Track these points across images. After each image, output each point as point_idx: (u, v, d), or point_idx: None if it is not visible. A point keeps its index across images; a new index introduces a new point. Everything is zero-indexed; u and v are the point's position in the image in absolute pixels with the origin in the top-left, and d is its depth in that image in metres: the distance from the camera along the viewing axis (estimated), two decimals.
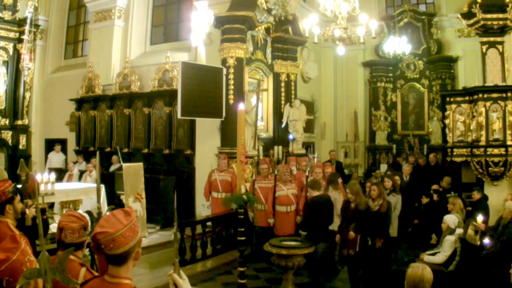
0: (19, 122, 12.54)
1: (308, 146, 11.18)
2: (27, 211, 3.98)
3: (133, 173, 7.30)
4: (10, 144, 12.36)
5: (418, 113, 12.80)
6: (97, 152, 5.67)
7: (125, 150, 10.51)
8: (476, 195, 7.17)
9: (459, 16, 7.90)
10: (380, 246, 5.68)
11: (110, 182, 8.28)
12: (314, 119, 12.26)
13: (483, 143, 7.28)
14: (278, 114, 10.21)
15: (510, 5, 7.12)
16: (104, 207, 7.82)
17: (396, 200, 6.52)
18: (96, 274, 2.47)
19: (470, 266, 5.39)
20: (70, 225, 2.60)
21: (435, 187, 7.90)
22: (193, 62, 9.21)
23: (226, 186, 7.67)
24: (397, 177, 7.06)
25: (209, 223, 7.08)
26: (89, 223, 2.86)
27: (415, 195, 7.78)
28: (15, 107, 12.48)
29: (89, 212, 5.09)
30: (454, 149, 7.85)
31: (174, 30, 11.39)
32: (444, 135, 8.99)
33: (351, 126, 13.31)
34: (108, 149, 10.99)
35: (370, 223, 5.59)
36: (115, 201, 8.04)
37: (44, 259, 1.76)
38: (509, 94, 7.22)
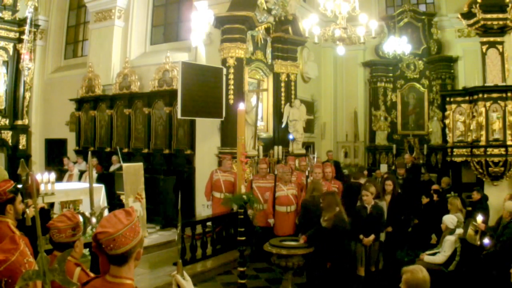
0: (19, 122, 12.54)
1: (308, 146, 11.18)
2: (27, 211, 3.98)
3: (133, 173, 7.30)
4: (10, 144, 12.36)
5: (418, 113, 12.80)
6: (89, 153, 5.59)
7: (125, 150, 10.51)
8: (475, 195, 7.18)
9: (459, 16, 7.91)
10: (331, 269, 5.16)
11: (110, 182, 8.28)
12: (314, 119, 12.26)
13: (483, 143, 7.28)
14: (278, 114, 10.21)
15: (510, 5, 7.12)
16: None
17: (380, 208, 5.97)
18: (92, 274, 2.47)
19: (470, 266, 5.39)
20: (56, 225, 2.60)
21: (435, 187, 7.91)
22: (193, 62, 9.21)
23: (229, 186, 7.67)
24: (389, 182, 6.50)
25: (209, 223, 7.08)
26: (81, 224, 2.85)
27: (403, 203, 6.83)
28: (15, 107, 12.48)
29: (81, 213, 5.09)
30: (454, 149, 7.85)
31: (174, 30, 11.39)
32: (444, 135, 9.00)
33: (351, 126, 13.30)
34: (108, 149, 10.99)
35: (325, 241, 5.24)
36: (115, 201, 8.04)
37: (42, 260, 1.75)
38: (509, 94, 7.22)
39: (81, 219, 2.89)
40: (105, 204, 7.90)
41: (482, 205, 6.84)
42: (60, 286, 1.82)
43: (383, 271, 5.94)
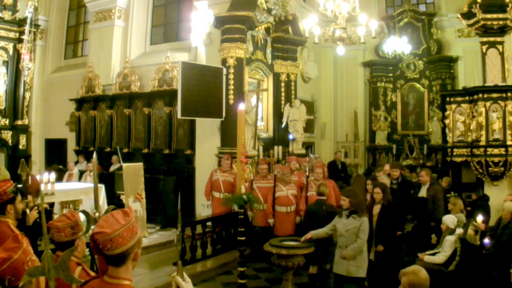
0: (19, 122, 12.55)
1: (308, 146, 11.18)
2: (28, 211, 3.99)
3: (133, 173, 7.30)
4: (10, 144, 12.36)
5: (418, 113, 12.81)
6: (95, 153, 5.61)
7: (125, 150, 10.50)
8: (474, 197, 7.20)
9: (459, 16, 7.91)
10: None
11: (110, 182, 8.28)
12: (314, 119, 12.26)
13: (483, 143, 7.29)
14: (278, 114, 10.21)
15: (510, 5, 7.12)
16: (104, 207, 7.82)
17: (358, 225, 4.72)
18: (93, 274, 2.48)
19: (470, 266, 5.39)
20: (55, 224, 2.62)
21: None
22: (193, 62, 9.21)
23: (228, 186, 7.68)
24: (377, 190, 5.57)
25: (209, 223, 7.08)
26: (83, 223, 2.86)
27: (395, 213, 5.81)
28: (15, 107, 12.48)
29: (85, 212, 5.08)
30: (454, 149, 7.85)
31: (174, 30, 11.38)
32: (444, 135, 9.00)
33: (351, 126, 13.31)
34: (108, 149, 10.98)
35: None
36: (115, 201, 8.04)
37: (48, 257, 1.77)
38: (509, 94, 7.23)
39: (81, 218, 2.89)
40: (105, 204, 7.90)
41: (482, 205, 6.85)
42: (64, 284, 1.83)
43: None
